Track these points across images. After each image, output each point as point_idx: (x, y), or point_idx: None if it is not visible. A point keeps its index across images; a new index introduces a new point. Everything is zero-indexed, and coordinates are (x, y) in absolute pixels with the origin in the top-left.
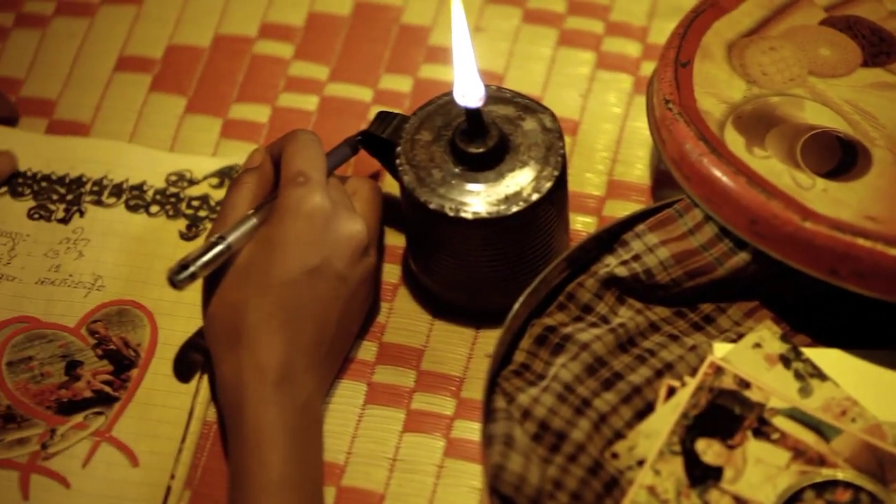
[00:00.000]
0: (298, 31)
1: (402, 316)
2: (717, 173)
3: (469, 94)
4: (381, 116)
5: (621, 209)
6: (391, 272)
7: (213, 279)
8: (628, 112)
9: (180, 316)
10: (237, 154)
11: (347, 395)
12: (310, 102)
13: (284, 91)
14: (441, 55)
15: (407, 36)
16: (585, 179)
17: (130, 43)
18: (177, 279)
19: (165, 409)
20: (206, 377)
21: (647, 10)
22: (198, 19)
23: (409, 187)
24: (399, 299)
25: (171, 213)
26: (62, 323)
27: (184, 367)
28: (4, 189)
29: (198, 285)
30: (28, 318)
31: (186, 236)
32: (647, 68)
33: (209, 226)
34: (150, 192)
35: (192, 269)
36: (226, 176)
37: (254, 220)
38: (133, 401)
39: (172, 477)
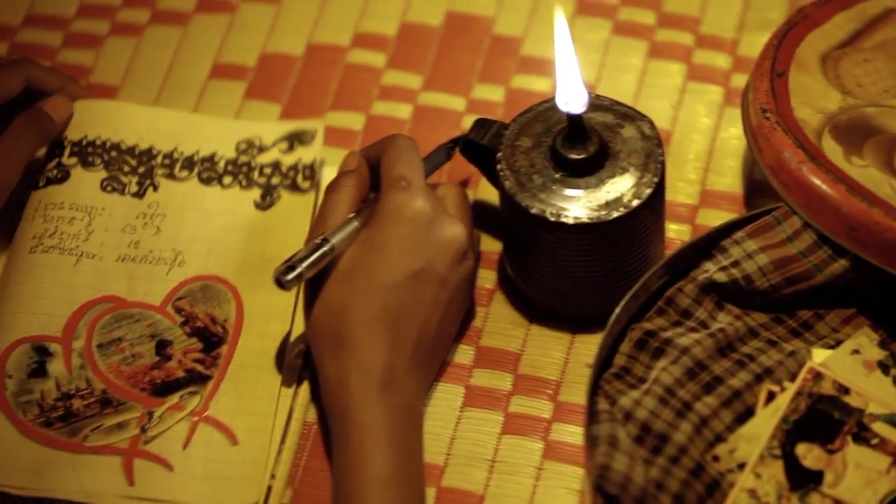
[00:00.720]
0: (391, 41)
1: (499, 321)
2: (817, 181)
3: (572, 100)
4: (480, 123)
5: (714, 218)
6: (487, 278)
7: (315, 282)
8: (719, 123)
9: (264, 290)
10: (335, 159)
11: (446, 398)
12: (403, 111)
13: (378, 99)
14: (533, 65)
15: (499, 46)
16: (678, 188)
17: (224, 51)
18: (285, 280)
19: (258, 385)
20: (304, 380)
21: (737, 23)
22: (291, 28)
23: (510, 192)
24: (495, 304)
25: (244, 183)
26: (147, 301)
27: (286, 369)
28: (75, 160)
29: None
30: (113, 298)
31: (261, 206)
32: (738, 80)
33: (283, 194)
34: (222, 164)
35: (298, 269)
36: (295, 140)
37: (355, 223)
38: (225, 378)
39: (273, 476)
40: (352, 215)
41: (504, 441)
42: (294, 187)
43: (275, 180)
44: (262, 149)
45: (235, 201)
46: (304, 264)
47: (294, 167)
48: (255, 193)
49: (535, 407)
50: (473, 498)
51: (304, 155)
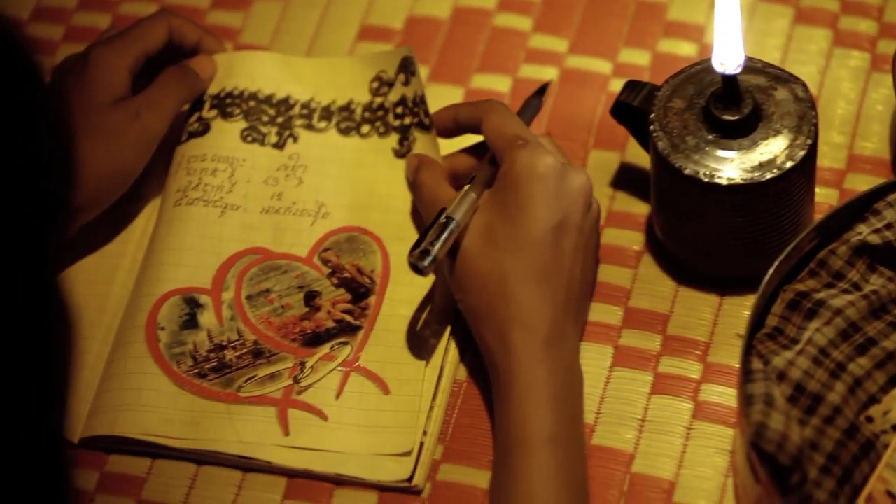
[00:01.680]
0: (537, 5)
1: (647, 282)
2: None
3: (728, 61)
4: (631, 86)
5: (861, 182)
6: (635, 240)
7: (449, 257)
8: (865, 88)
9: (409, 239)
10: None
11: (595, 358)
12: (549, 74)
13: (525, 62)
14: (678, 30)
15: (645, 11)
16: (823, 152)
17: (371, 13)
18: (422, 265)
19: (407, 335)
20: (453, 339)
21: None
22: None
23: (662, 153)
24: (643, 266)
25: (381, 130)
26: (294, 253)
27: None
28: (215, 112)
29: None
30: (260, 250)
31: (399, 153)
32: (884, 46)
33: (417, 134)
34: (359, 111)
35: (433, 253)
36: (405, 70)
37: (472, 195)
38: (375, 328)
39: (425, 433)
40: (467, 187)
41: (653, 401)
42: (422, 126)
43: (407, 120)
44: (389, 84)
45: (375, 151)
46: (437, 247)
47: (415, 101)
48: (393, 140)
49: (684, 367)
50: (624, 456)
51: (417, 87)
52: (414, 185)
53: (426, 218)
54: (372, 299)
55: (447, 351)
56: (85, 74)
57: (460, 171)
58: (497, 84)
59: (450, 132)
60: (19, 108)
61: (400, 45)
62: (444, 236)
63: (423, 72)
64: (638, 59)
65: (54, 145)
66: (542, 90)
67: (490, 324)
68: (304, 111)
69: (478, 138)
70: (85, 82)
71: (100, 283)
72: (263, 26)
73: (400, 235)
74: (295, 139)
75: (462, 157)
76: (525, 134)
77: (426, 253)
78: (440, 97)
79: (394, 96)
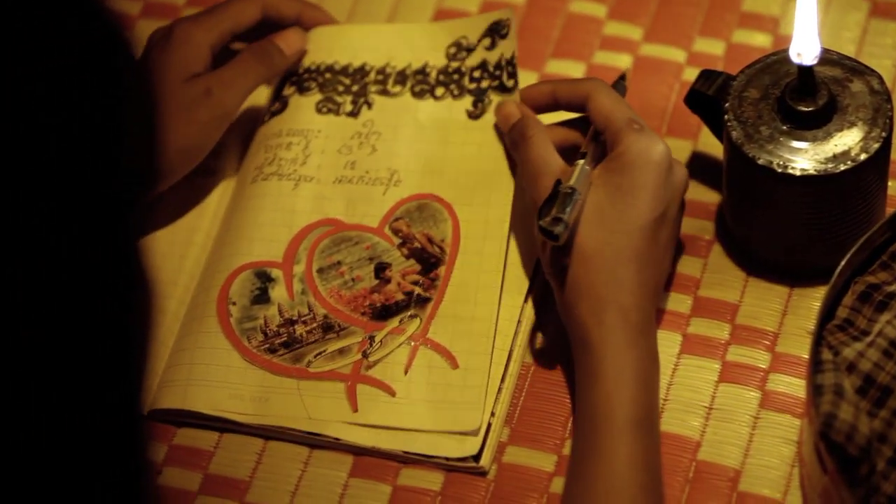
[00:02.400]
0: None
1: (717, 271)
2: None
3: (805, 52)
4: (706, 75)
5: None
6: (706, 229)
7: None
8: None
9: (480, 206)
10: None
11: (663, 345)
12: (624, 61)
13: (599, 49)
14: (753, 21)
15: (720, 0)
16: None
17: None
18: (557, 231)
19: (477, 306)
20: (525, 320)
21: None
22: None
23: (736, 143)
24: (714, 255)
25: (455, 92)
26: (365, 223)
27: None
28: (293, 89)
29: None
30: (332, 221)
31: (473, 115)
32: None
33: (494, 98)
34: (434, 74)
35: (565, 219)
36: (495, 33)
37: (588, 168)
38: (444, 300)
39: (493, 414)
40: (581, 161)
41: (721, 389)
42: (502, 88)
43: (484, 83)
44: (469, 49)
45: (448, 112)
46: (567, 214)
47: (498, 65)
48: (467, 102)
49: (753, 357)
50: (690, 443)
51: (505, 49)
52: (522, 141)
53: (529, 180)
54: (441, 269)
55: (517, 333)
56: (166, 48)
57: (558, 144)
58: (571, 70)
59: (544, 108)
60: (105, 76)
61: None
62: (571, 205)
63: None
64: (712, 48)
65: (135, 116)
66: (623, 78)
67: (587, 300)
68: (380, 76)
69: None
70: (164, 56)
71: (173, 258)
72: (341, 4)
73: (470, 201)
74: (370, 106)
75: (560, 130)
76: (638, 118)
77: (559, 220)
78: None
79: (472, 61)
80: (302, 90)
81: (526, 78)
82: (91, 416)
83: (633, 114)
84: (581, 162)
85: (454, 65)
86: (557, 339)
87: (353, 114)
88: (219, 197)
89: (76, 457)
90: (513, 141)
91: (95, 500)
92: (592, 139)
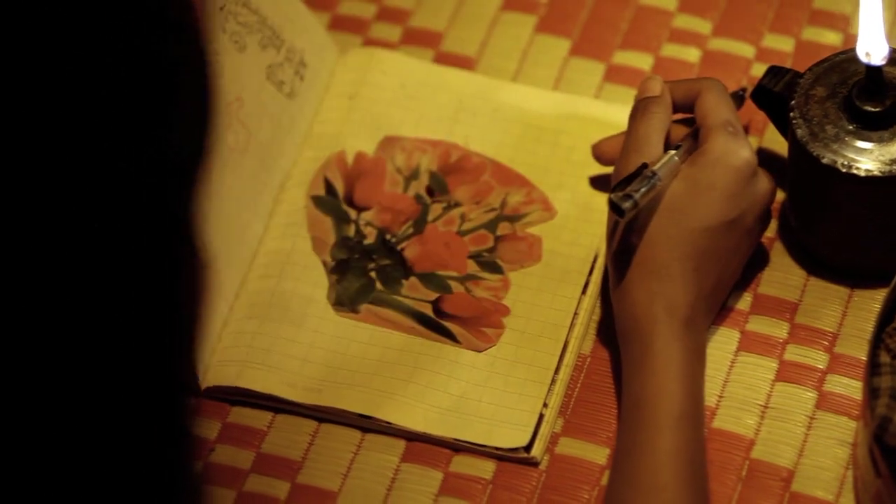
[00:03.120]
0: None
1: (778, 269)
2: None
3: (874, 52)
4: (774, 71)
5: None
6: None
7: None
8: None
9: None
10: (620, 98)
11: (721, 341)
12: (692, 55)
13: (668, 41)
14: (824, 19)
15: None
16: None
17: None
18: (624, 206)
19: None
20: (583, 312)
21: None
22: None
23: (801, 141)
24: (775, 253)
25: None
26: None
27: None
28: None
29: None
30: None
31: None
32: None
33: None
34: None
35: (636, 198)
36: None
37: (676, 159)
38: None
39: (546, 405)
40: (673, 151)
41: (777, 388)
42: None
43: None
44: None
45: None
46: (639, 194)
47: None
48: None
49: (810, 356)
50: (744, 441)
51: None
52: (641, 114)
53: (624, 153)
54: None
55: (573, 325)
56: None
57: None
58: (638, 62)
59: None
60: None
61: (543, 18)
62: (647, 188)
63: (565, 45)
64: (782, 45)
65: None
66: (744, 90)
67: (640, 290)
68: None
69: None
70: None
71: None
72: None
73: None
74: None
75: (679, 128)
76: (736, 122)
77: (629, 197)
78: (579, 71)
79: None
80: None
81: (591, 68)
82: (136, 386)
83: (735, 118)
84: (672, 152)
85: None
86: (615, 333)
87: None
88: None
89: (123, 426)
90: (634, 109)
91: (141, 471)
92: (691, 135)
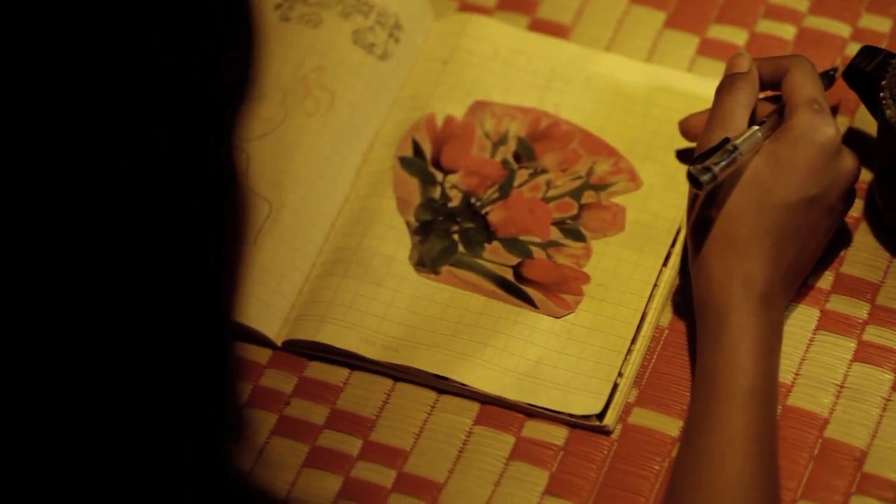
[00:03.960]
0: None
1: (862, 250)
2: None
3: None
4: (866, 51)
5: None
6: (854, 206)
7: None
8: None
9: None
10: (712, 72)
11: (800, 319)
12: (787, 31)
13: (763, 17)
14: None
15: None
16: None
17: None
18: (702, 179)
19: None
20: (663, 284)
21: None
22: None
23: (890, 121)
24: (860, 233)
25: None
26: None
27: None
28: None
29: None
30: None
31: None
32: None
33: None
34: None
35: (715, 172)
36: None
37: (759, 135)
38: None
39: (620, 374)
40: (756, 127)
41: (854, 368)
42: None
43: None
44: None
45: None
46: (719, 167)
47: None
48: None
49: (890, 339)
50: (818, 420)
51: None
52: (727, 89)
53: (707, 126)
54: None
55: (652, 296)
56: None
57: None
58: (733, 37)
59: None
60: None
61: None
62: (727, 162)
63: (660, 17)
64: (878, 25)
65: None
66: (835, 70)
67: (718, 264)
68: None
69: None
70: None
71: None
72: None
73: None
74: None
75: (765, 105)
76: (822, 100)
77: (708, 170)
78: (673, 43)
79: None
80: None
81: (685, 41)
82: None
83: (822, 96)
84: (756, 128)
85: None
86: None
87: None
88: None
89: (165, 370)
90: (721, 85)
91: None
92: (776, 112)
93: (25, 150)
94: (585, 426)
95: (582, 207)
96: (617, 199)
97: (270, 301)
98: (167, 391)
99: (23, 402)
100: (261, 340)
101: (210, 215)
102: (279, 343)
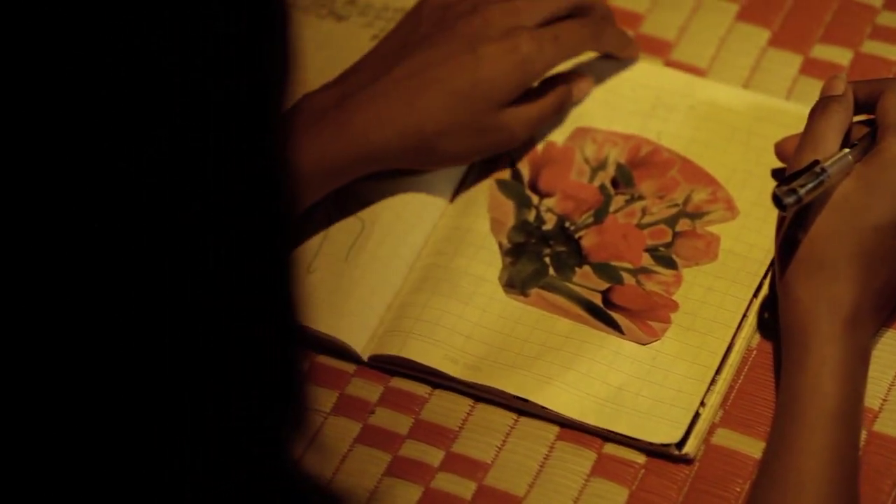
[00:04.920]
0: None
1: None
2: None
3: None
4: None
5: None
6: None
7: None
8: None
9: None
10: (813, 92)
11: (889, 344)
12: (893, 53)
13: (870, 38)
14: None
15: None
16: None
17: None
18: (787, 201)
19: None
20: (752, 314)
21: None
22: None
23: None
24: None
25: None
26: None
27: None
28: None
29: None
30: None
31: None
32: None
33: None
34: None
35: (800, 194)
36: None
37: (849, 158)
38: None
39: (703, 404)
40: (847, 150)
41: None
42: None
43: None
44: None
45: None
46: (805, 189)
47: None
48: None
49: None
50: None
51: None
52: (821, 111)
53: (798, 148)
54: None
55: (741, 327)
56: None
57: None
58: (838, 57)
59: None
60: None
61: (745, 6)
62: (813, 185)
63: (764, 35)
64: None
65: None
66: None
67: (805, 286)
68: None
69: None
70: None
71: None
72: None
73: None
74: None
75: (860, 128)
76: None
77: (793, 192)
78: (776, 62)
79: None
80: None
81: (789, 60)
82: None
83: None
84: (847, 151)
85: None
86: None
87: None
88: None
89: (165, 370)
90: (815, 107)
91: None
92: (869, 135)
93: (25, 150)
94: (664, 455)
95: (676, 235)
96: (712, 228)
97: (360, 316)
98: (167, 391)
99: (24, 403)
100: (347, 355)
101: (210, 215)
102: (365, 358)
